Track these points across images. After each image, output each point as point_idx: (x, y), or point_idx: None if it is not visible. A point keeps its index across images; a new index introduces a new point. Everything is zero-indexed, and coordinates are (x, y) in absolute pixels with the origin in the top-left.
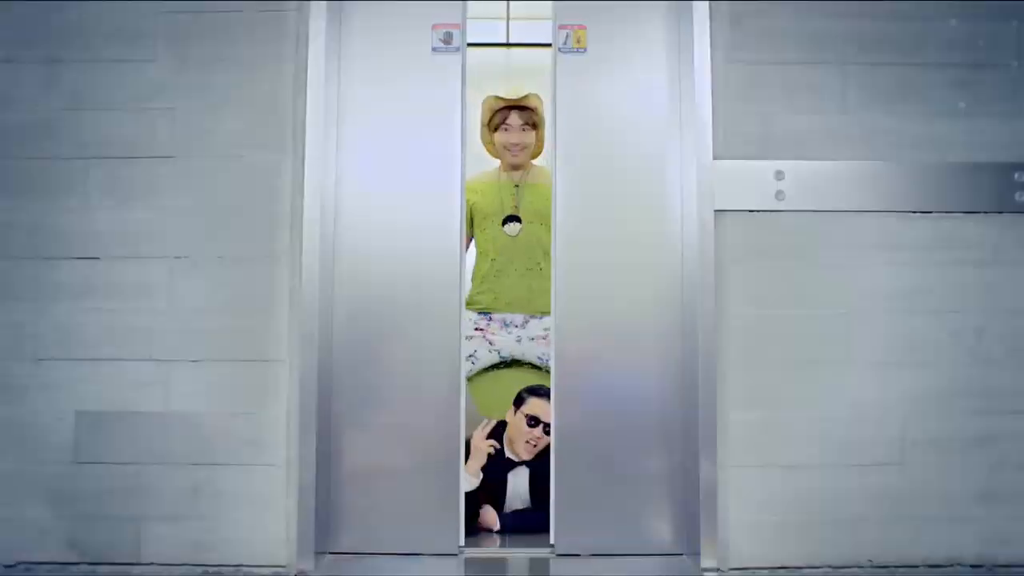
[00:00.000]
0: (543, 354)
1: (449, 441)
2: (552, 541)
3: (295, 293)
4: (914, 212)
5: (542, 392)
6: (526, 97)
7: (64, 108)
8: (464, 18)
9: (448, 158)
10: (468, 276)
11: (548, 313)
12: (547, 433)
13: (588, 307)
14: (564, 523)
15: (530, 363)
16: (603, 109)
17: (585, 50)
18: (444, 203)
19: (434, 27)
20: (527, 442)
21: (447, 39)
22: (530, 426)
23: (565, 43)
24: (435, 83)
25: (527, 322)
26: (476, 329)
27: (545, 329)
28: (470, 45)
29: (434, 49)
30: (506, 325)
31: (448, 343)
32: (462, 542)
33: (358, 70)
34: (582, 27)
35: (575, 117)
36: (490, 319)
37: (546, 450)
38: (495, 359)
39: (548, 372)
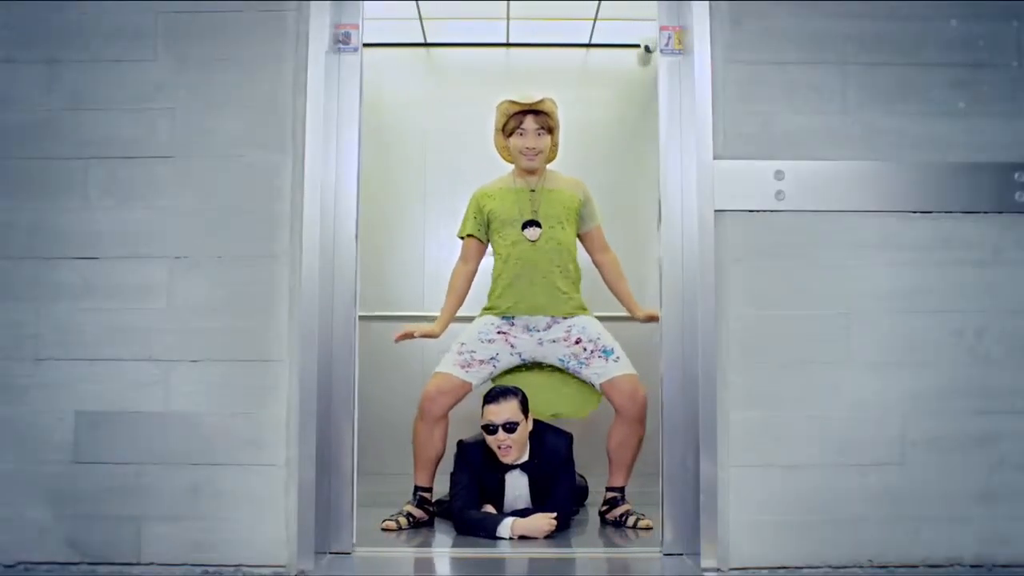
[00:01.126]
0: (564, 355)
1: (342, 438)
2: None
3: (295, 293)
4: (914, 212)
5: (493, 395)
6: (541, 102)
7: (64, 108)
8: (361, 18)
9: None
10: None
11: (574, 315)
12: (509, 432)
13: (681, 307)
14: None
15: (551, 365)
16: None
17: (682, 51)
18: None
19: (336, 27)
20: (499, 448)
21: (345, 39)
22: (491, 434)
23: (667, 45)
24: (334, 82)
25: (551, 326)
26: (499, 332)
27: (567, 331)
28: (470, 45)
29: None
30: (529, 329)
31: (344, 344)
32: (355, 540)
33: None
34: (680, 28)
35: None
36: (512, 323)
37: (535, 450)
38: (516, 361)
39: (570, 373)
